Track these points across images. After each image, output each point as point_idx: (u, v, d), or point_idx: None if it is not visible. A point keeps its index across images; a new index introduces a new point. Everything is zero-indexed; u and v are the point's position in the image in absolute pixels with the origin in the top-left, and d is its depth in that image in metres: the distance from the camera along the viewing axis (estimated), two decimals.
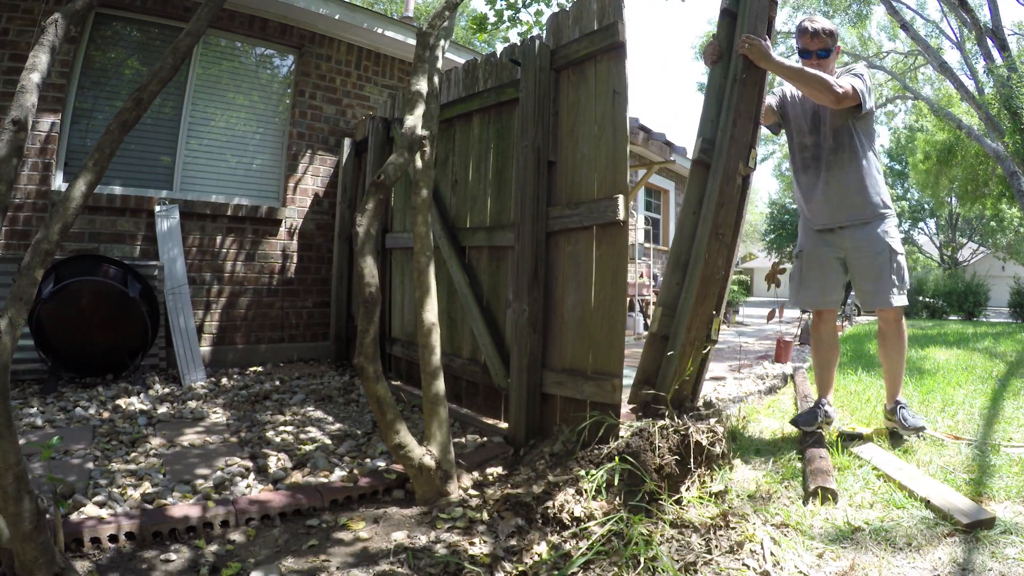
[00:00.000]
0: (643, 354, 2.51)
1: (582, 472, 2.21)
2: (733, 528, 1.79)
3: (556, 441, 2.55)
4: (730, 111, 2.44)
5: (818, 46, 2.64)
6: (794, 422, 2.77)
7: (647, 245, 9.99)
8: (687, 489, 2.09)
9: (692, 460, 2.12)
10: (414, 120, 2.29)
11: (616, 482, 2.03)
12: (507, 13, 5.59)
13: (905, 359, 2.72)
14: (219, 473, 2.33)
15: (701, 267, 2.34)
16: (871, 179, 2.63)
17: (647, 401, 2.34)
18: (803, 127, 2.75)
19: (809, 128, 2.73)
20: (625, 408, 2.51)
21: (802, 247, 2.84)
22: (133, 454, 2.55)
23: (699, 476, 2.15)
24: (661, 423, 2.18)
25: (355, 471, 2.42)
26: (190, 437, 2.84)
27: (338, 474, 2.39)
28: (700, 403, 2.63)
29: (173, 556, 1.70)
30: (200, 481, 2.25)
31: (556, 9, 4.62)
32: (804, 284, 2.82)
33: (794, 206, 28.06)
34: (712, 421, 2.24)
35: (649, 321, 9.32)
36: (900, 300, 2.59)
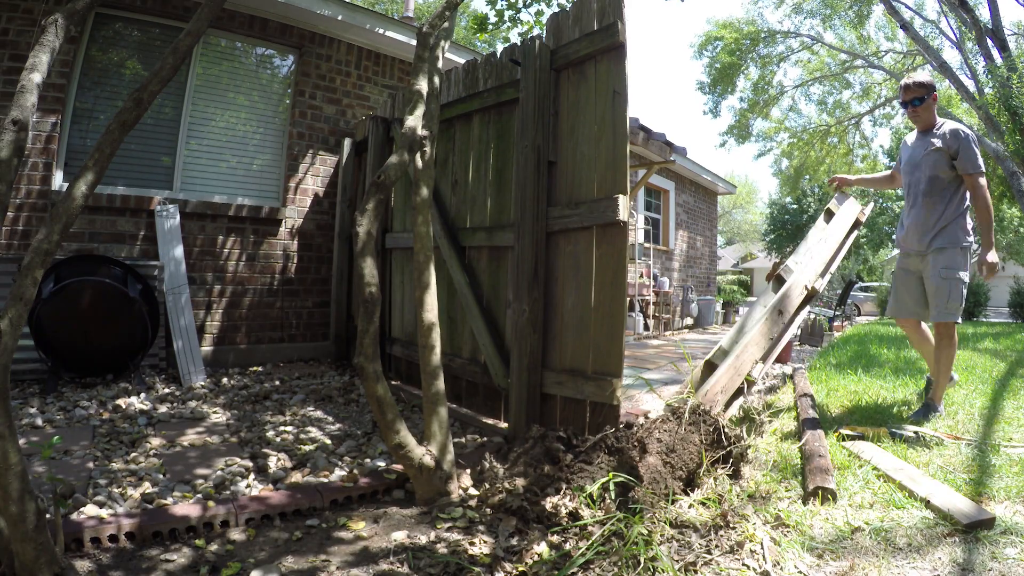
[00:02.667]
0: (692, 375, 2.92)
1: (584, 473, 2.21)
2: (733, 528, 1.79)
3: (555, 441, 2.55)
4: (808, 253, 3.42)
5: (911, 96, 3.11)
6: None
7: (647, 245, 9.99)
8: (700, 486, 2.11)
9: (713, 455, 2.22)
10: (414, 120, 2.29)
11: (613, 487, 2.03)
12: (508, 13, 5.58)
13: (950, 367, 3.17)
14: (219, 473, 2.33)
15: (760, 325, 2.97)
16: (947, 219, 3.06)
17: (680, 404, 2.44)
18: (908, 168, 3.24)
19: (910, 170, 3.21)
20: (629, 408, 2.53)
21: (895, 269, 3.40)
22: (133, 454, 2.55)
23: (714, 477, 2.16)
24: (674, 425, 2.24)
25: (355, 471, 2.42)
26: (190, 437, 2.84)
27: (338, 474, 2.39)
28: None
29: (173, 556, 1.70)
30: (200, 481, 2.25)
31: (556, 9, 4.62)
32: (891, 297, 3.40)
33: (794, 206, 28.27)
34: (736, 428, 2.39)
35: (649, 321, 9.32)
36: (945, 318, 3.04)
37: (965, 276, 3.05)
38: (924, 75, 3.17)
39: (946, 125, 3.08)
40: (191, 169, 4.81)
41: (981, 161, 3.00)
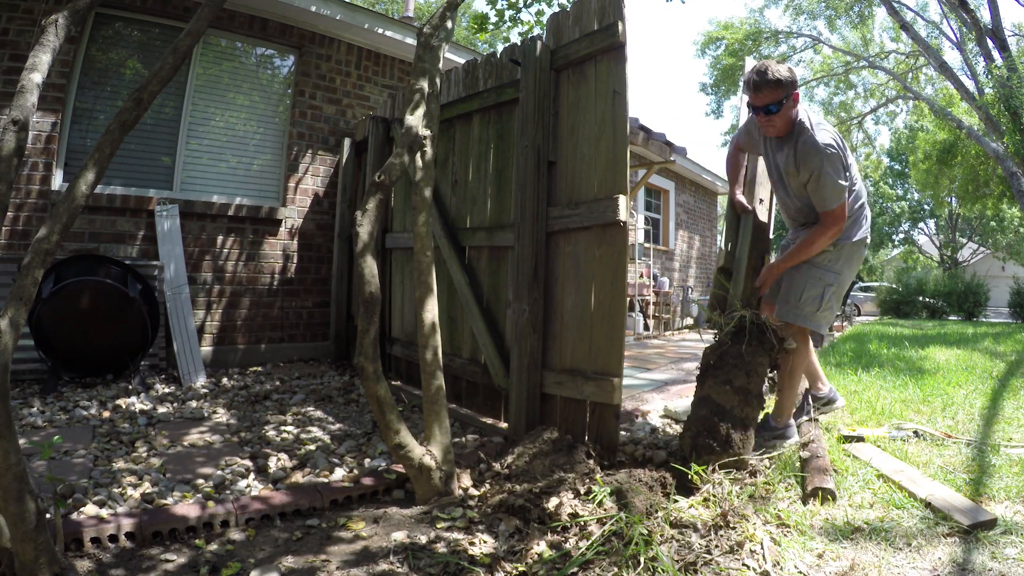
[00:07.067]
0: (713, 284, 2.90)
1: (584, 474, 2.21)
2: (733, 528, 1.79)
3: (556, 442, 2.55)
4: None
5: (764, 101, 2.36)
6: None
7: (647, 245, 9.99)
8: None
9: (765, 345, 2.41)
10: (414, 120, 2.29)
11: (611, 492, 2.04)
12: (508, 13, 5.59)
13: (795, 381, 2.70)
14: (219, 473, 2.33)
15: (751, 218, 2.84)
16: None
17: (722, 310, 2.57)
18: (773, 176, 2.70)
19: (776, 179, 2.67)
20: (629, 407, 2.54)
21: None
22: (133, 454, 2.55)
23: (712, 482, 2.16)
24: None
25: (355, 471, 2.43)
26: (190, 437, 2.84)
27: (338, 474, 2.39)
28: None
29: (173, 555, 1.70)
30: (200, 481, 2.25)
31: (557, 9, 4.62)
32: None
33: None
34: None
35: (649, 321, 9.32)
36: (792, 318, 2.60)
37: (828, 276, 2.55)
38: (779, 68, 2.37)
39: (801, 137, 2.40)
40: (191, 169, 4.81)
41: (844, 181, 2.36)
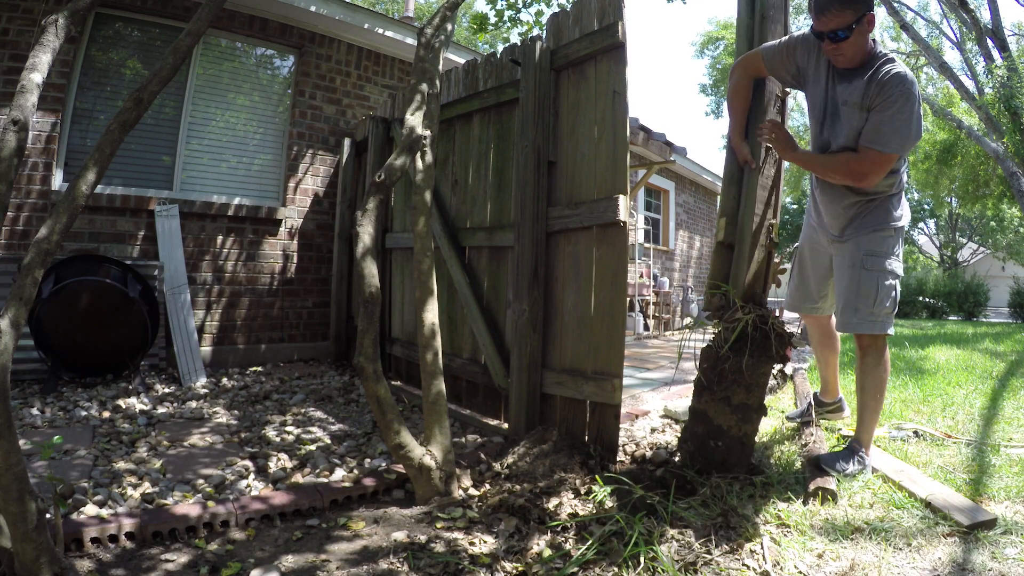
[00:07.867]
0: (712, 264, 2.39)
1: (584, 474, 2.21)
2: (733, 528, 1.79)
3: (556, 442, 2.55)
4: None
5: (829, 25, 1.93)
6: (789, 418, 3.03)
7: (647, 245, 9.99)
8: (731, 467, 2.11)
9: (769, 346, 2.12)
10: (414, 120, 2.29)
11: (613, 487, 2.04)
12: (508, 13, 5.60)
13: (881, 397, 2.28)
14: (219, 473, 2.33)
15: (758, 176, 2.28)
16: (871, 191, 2.23)
17: (721, 304, 2.24)
18: (818, 112, 2.18)
19: (824, 116, 2.19)
20: (629, 407, 2.52)
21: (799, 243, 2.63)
22: (134, 454, 2.55)
23: (711, 485, 2.16)
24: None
25: (355, 471, 2.43)
26: (191, 437, 2.84)
27: (338, 474, 2.39)
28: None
29: (173, 555, 1.70)
30: (200, 481, 2.25)
31: (556, 9, 4.63)
32: (791, 283, 2.66)
33: (794, 206, 27.98)
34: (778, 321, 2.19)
35: (649, 321, 9.32)
36: (870, 328, 2.21)
37: (898, 267, 2.20)
38: None
39: (886, 67, 1.98)
40: (191, 169, 4.81)
41: (911, 136, 1.98)
